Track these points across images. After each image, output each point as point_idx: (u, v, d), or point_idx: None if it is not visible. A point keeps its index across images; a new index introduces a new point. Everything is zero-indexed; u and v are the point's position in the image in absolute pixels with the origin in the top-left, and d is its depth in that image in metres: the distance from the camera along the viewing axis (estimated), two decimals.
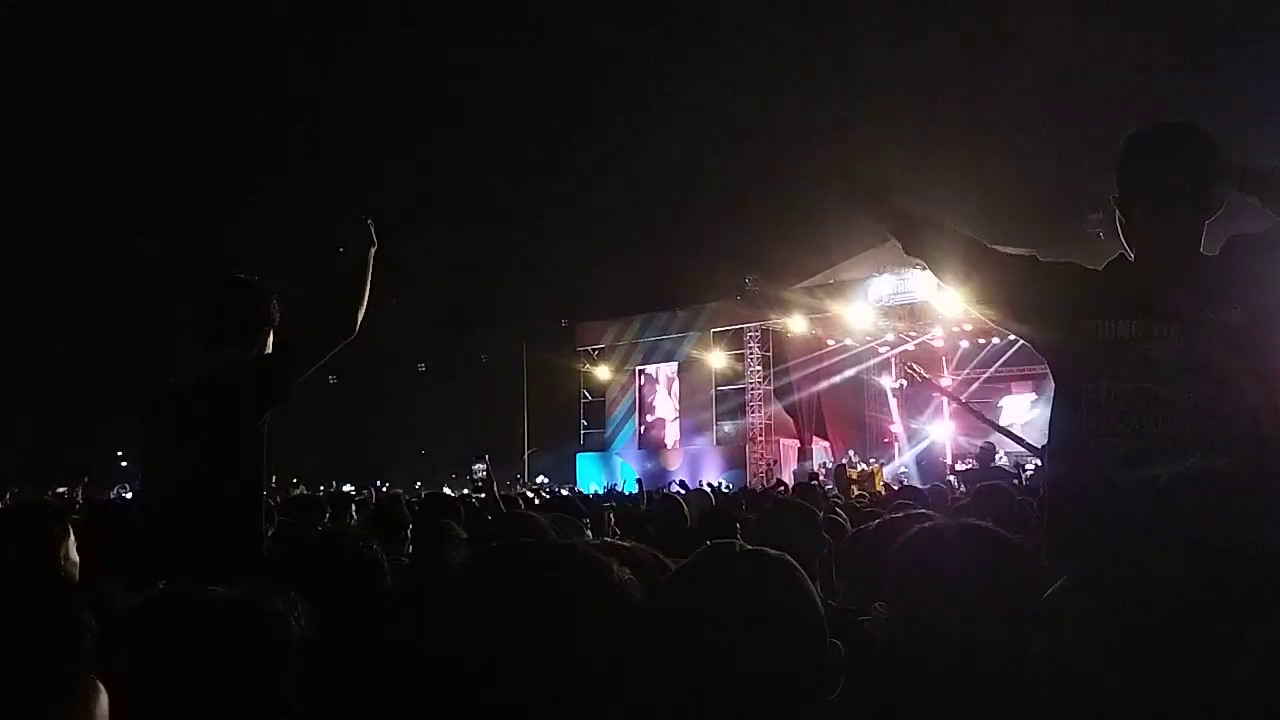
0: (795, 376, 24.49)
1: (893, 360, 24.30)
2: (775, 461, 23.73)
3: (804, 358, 24.21)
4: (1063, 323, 2.36)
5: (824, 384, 24.24)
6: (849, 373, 24.23)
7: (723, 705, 1.42)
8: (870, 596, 2.17)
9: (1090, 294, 2.33)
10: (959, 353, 24.55)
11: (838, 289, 22.53)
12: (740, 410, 24.66)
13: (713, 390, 25.35)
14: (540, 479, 26.03)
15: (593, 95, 37.79)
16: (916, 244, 2.69)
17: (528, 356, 28.89)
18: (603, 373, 27.47)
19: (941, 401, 22.71)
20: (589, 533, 4.54)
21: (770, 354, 24.46)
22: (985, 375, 24.19)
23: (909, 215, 2.70)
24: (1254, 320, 2.23)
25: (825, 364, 23.95)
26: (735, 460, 24.35)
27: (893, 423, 25.00)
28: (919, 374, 17.17)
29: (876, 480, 16.89)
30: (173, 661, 1.31)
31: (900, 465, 23.38)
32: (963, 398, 21.25)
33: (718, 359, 25.12)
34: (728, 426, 25.24)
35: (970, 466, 15.30)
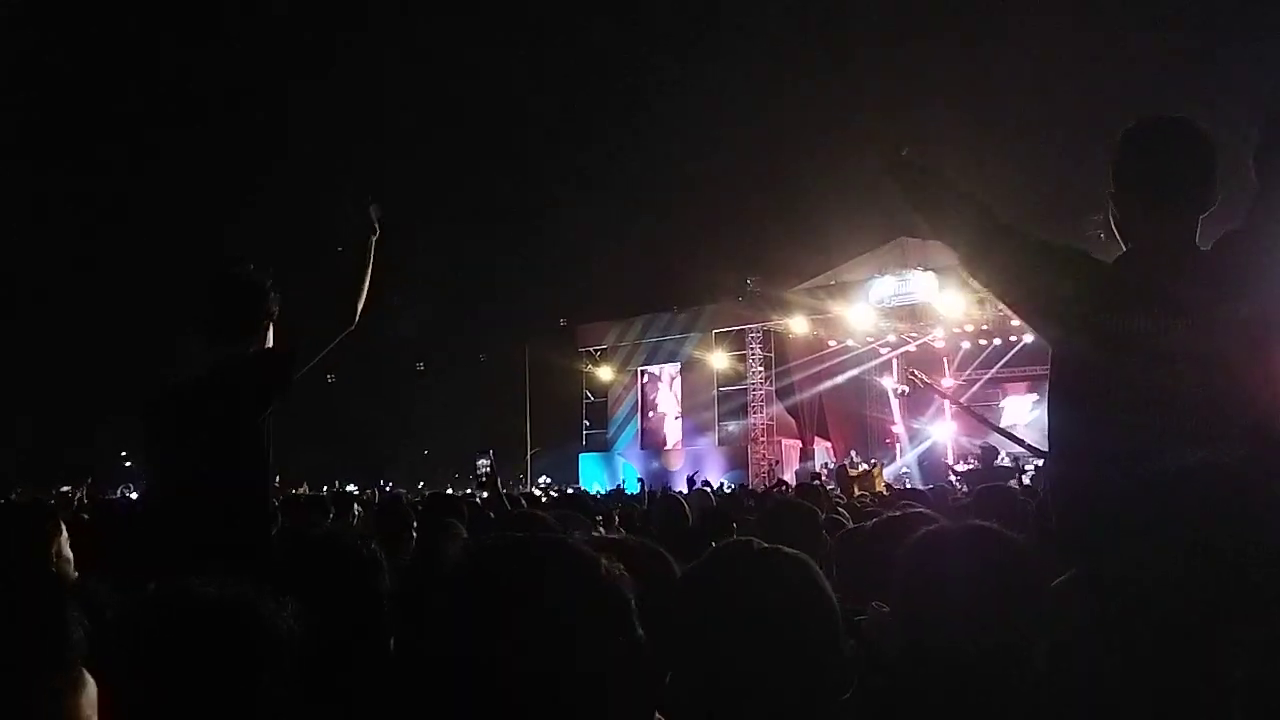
0: (797, 377, 24.49)
1: (894, 361, 24.30)
2: (777, 462, 23.72)
3: (805, 358, 24.20)
4: (1073, 316, 2.35)
5: (825, 385, 24.24)
6: (850, 373, 24.23)
7: (743, 700, 1.43)
8: (867, 595, 2.17)
9: (1101, 288, 2.32)
10: (960, 354, 24.54)
11: (839, 290, 22.52)
12: (742, 411, 24.65)
13: (715, 391, 25.35)
14: (543, 479, 26.05)
15: (593, 95, 37.84)
16: (936, 219, 2.59)
17: (530, 357, 28.91)
18: (605, 373, 27.47)
19: (943, 403, 22.70)
20: (602, 529, 4.54)
21: (772, 355, 24.45)
22: (986, 376, 24.19)
23: (933, 186, 2.62)
24: (1263, 315, 2.23)
25: (827, 365, 23.94)
26: (737, 460, 24.35)
27: (894, 423, 25.00)
28: (920, 379, 17.16)
29: (877, 480, 16.85)
30: (158, 659, 1.31)
31: (902, 466, 23.39)
32: (964, 399, 21.25)
33: (719, 360, 25.11)
34: (730, 427, 25.23)
35: (972, 467, 15.29)
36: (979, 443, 15.55)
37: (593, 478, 25.55)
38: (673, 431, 26.55)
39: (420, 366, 32.37)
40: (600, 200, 34.41)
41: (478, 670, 0.94)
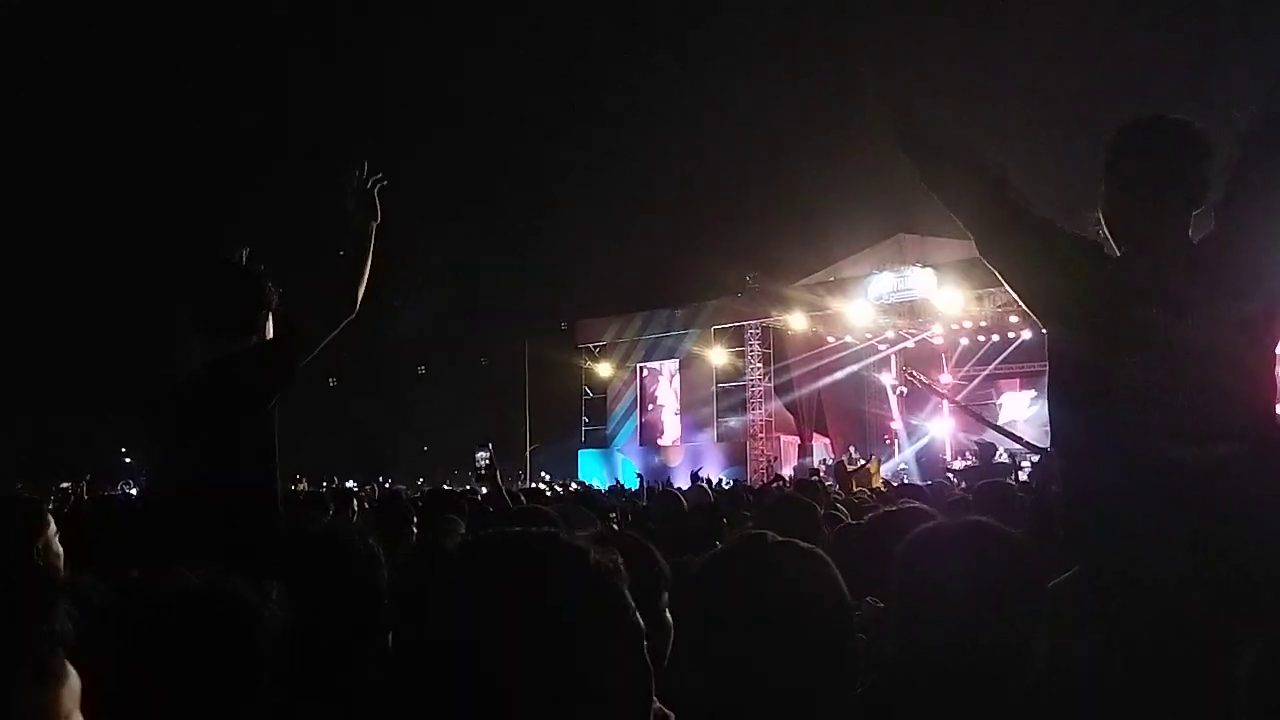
0: (796, 373, 24.50)
1: (892, 357, 24.30)
2: (776, 458, 23.72)
3: (804, 355, 24.20)
4: (1073, 315, 2.35)
5: (824, 381, 24.23)
6: (849, 370, 24.23)
7: (756, 691, 1.43)
8: (865, 591, 2.17)
9: (1101, 287, 2.31)
10: (958, 350, 24.53)
11: (838, 286, 22.52)
12: (741, 407, 24.65)
13: (714, 387, 25.35)
14: (544, 475, 26.03)
15: (593, 94, 37.77)
16: (950, 199, 2.55)
17: (529, 354, 28.90)
18: (604, 369, 27.47)
19: (941, 400, 22.72)
20: (616, 526, 4.54)
21: (771, 351, 24.44)
22: (985, 372, 24.18)
23: (946, 163, 2.56)
24: (1262, 313, 2.23)
25: (825, 361, 23.94)
26: (736, 456, 24.36)
27: (893, 419, 25.00)
28: (919, 380, 17.16)
29: (874, 476, 16.86)
30: (141, 649, 1.31)
31: (900, 462, 23.40)
32: (963, 395, 21.24)
33: (718, 356, 25.12)
34: (729, 423, 25.24)
35: (971, 464, 15.31)
36: (976, 439, 15.58)
37: (592, 474, 25.54)
38: (672, 428, 26.56)
39: (421, 370, 32.40)
40: (600, 198, 34.37)
41: (475, 663, 0.94)
